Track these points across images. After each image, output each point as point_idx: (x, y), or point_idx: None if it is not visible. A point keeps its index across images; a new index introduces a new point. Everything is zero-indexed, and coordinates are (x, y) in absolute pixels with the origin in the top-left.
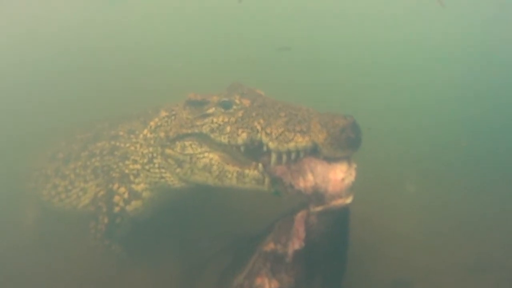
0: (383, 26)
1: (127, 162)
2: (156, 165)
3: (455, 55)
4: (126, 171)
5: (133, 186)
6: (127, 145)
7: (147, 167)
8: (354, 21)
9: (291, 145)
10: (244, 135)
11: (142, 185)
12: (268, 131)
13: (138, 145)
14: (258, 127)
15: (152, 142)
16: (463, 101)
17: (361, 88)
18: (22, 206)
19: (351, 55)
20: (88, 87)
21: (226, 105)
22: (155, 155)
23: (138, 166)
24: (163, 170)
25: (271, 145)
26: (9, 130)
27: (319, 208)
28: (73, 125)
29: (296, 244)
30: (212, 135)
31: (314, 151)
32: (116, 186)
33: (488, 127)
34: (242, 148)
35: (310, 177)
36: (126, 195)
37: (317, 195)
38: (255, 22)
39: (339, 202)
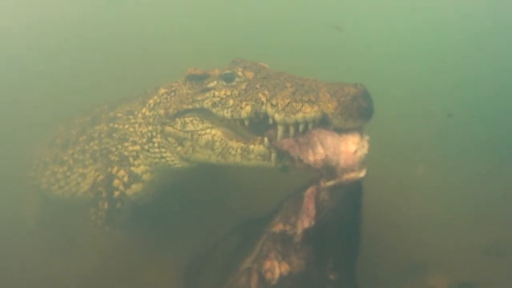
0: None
1: (126, 144)
2: (156, 145)
3: (467, 39)
4: (125, 153)
5: (133, 168)
6: (126, 126)
7: (146, 147)
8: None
9: (299, 116)
10: (248, 108)
11: (142, 167)
12: (274, 102)
13: (136, 125)
14: (263, 99)
15: (151, 120)
16: (472, 84)
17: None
18: (22, 195)
19: (356, 41)
20: (93, 75)
21: (228, 78)
22: (154, 134)
23: (137, 147)
24: (163, 150)
25: (277, 117)
26: (11, 119)
27: (330, 183)
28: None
29: (305, 223)
30: (214, 110)
31: (323, 122)
32: (115, 169)
33: (501, 109)
34: (246, 122)
35: (320, 149)
36: (126, 179)
37: (328, 169)
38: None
39: (351, 175)
